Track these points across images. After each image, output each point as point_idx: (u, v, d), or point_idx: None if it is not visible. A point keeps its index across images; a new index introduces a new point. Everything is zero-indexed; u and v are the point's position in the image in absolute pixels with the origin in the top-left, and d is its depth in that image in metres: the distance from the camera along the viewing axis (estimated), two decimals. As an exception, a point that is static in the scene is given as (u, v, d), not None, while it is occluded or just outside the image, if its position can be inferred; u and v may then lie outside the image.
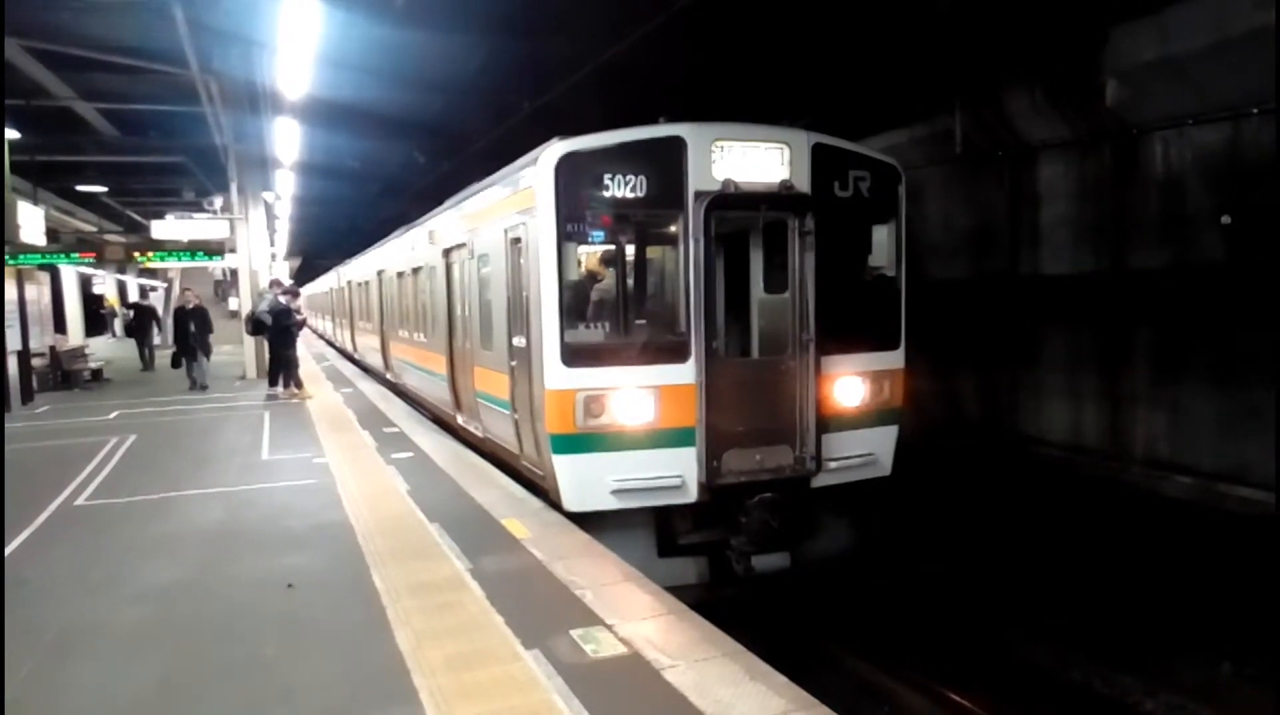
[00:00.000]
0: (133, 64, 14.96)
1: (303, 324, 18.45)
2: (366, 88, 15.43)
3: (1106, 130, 10.91)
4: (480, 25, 12.19)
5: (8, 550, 7.06)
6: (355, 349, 26.21)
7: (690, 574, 7.83)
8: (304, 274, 55.52)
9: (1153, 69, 9.82)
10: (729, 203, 7.50)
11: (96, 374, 20.87)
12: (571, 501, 7.49)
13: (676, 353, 7.46)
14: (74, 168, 23.44)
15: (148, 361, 24.58)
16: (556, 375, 7.35)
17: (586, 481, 7.41)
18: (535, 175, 7.51)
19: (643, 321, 7.89)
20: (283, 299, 16.94)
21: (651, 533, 7.75)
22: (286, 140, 19.23)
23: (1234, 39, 8.87)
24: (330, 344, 35.05)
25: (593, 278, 8.16)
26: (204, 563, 6.70)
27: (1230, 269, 9.71)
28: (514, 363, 8.49)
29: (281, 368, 16.90)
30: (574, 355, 7.35)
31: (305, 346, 20.91)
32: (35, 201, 19.46)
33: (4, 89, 13.86)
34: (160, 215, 23.36)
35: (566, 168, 7.30)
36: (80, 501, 8.86)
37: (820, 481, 7.92)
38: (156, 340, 27.56)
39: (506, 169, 8.93)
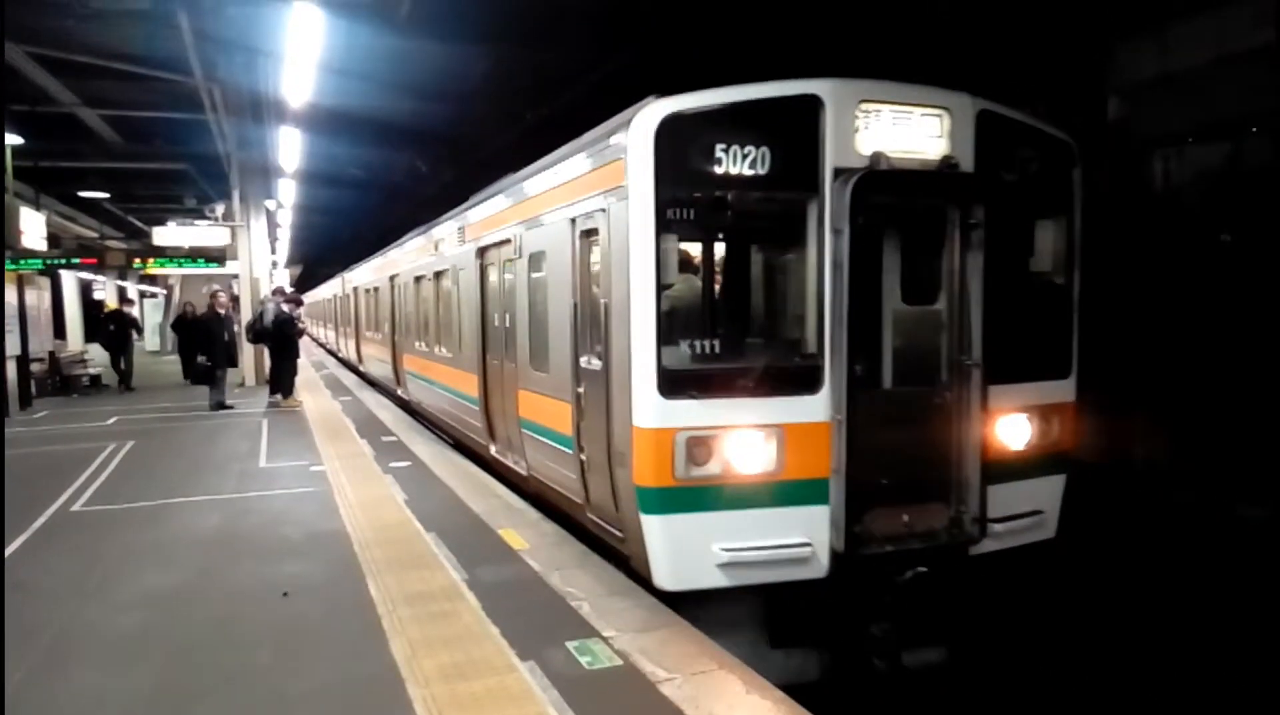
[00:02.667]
0: (137, 71, 15.02)
1: (303, 332, 18.47)
2: (370, 96, 15.51)
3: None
4: (484, 34, 12.24)
5: (5, 554, 7.03)
6: (361, 361, 24.01)
7: (812, 669, 5.95)
8: (305, 282, 55.61)
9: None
10: (882, 184, 5.70)
11: (95, 380, 20.86)
12: (666, 576, 5.63)
13: (805, 381, 5.68)
14: (77, 174, 23.50)
15: (124, 375, 21.02)
16: (651, 409, 5.53)
17: (687, 550, 5.58)
18: (625, 146, 5.74)
19: (758, 340, 6.29)
20: (285, 307, 16.97)
21: (761, 614, 5.87)
22: (289, 148, 19.30)
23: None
24: (333, 355, 33.70)
25: (689, 280, 6.35)
26: (200, 570, 6.68)
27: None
28: (582, 389, 6.70)
29: (283, 376, 16.90)
30: (675, 384, 5.52)
31: (304, 355, 20.84)
32: (38, 207, 19.50)
33: (5, 94, 13.90)
34: (162, 222, 23.43)
35: (669, 135, 5.50)
36: (77, 507, 8.84)
37: (980, 548, 6.12)
38: (158, 346, 27.48)
39: (573, 144, 7.19)
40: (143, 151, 21.64)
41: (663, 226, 5.53)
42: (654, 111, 5.58)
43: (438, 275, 12.78)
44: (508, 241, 8.81)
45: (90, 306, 31.59)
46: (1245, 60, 9.16)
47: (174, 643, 5.28)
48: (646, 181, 5.53)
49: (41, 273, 19.35)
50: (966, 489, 6.01)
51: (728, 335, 5.88)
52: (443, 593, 5.94)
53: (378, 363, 20.00)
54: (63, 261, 21.42)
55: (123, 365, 21.01)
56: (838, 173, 5.64)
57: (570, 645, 4.96)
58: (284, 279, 32.73)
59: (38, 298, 18.86)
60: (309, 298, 44.14)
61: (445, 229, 12.35)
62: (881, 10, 10.53)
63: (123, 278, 39.35)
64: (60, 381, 20.11)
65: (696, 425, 5.50)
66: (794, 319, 6.09)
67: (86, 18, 12.57)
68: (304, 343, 19.85)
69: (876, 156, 5.70)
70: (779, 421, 5.62)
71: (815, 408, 5.66)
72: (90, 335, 26.96)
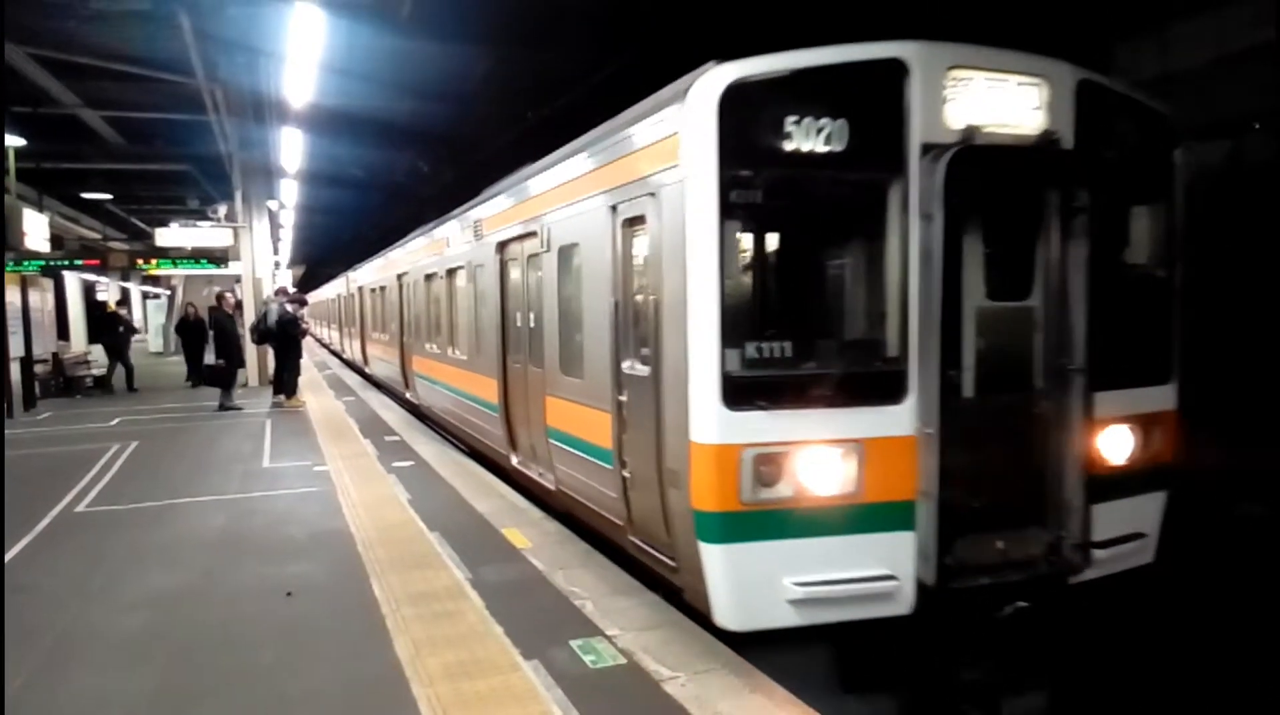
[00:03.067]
0: (139, 73, 15.06)
1: (306, 332, 18.49)
2: (371, 96, 15.53)
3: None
4: (485, 34, 12.24)
5: (7, 557, 7.06)
6: (366, 363, 23.17)
7: None
8: (308, 282, 55.67)
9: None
10: (979, 162, 5.02)
11: (99, 381, 20.89)
12: (729, 613, 4.89)
13: (888, 389, 5.00)
14: (79, 175, 23.58)
15: (126, 376, 20.60)
16: (712, 422, 4.83)
17: (754, 584, 4.87)
18: (682, 118, 5.03)
19: (832, 341, 5.41)
20: (289, 307, 16.98)
21: (831, 654, 5.24)
22: (291, 149, 19.32)
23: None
24: (338, 356, 33.12)
25: (755, 273, 5.55)
26: (204, 570, 6.69)
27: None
28: (625, 397, 6.02)
29: (287, 377, 16.92)
30: (741, 392, 4.82)
31: (306, 355, 20.84)
32: (41, 208, 19.54)
33: (5, 94, 13.93)
34: (165, 223, 23.48)
35: (734, 106, 4.79)
36: (81, 508, 8.85)
37: (1080, 576, 5.43)
38: (162, 345, 27.48)
39: (613, 123, 6.45)
40: (145, 152, 21.72)
41: (726, 211, 4.81)
42: (716, 79, 4.82)
43: (451, 273, 12.09)
44: (533, 234, 8.05)
45: (92, 307, 31.62)
46: (1245, 59, 9.15)
47: (178, 643, 5.28)
48: (708, 159, 4.80)
49: (44, 274, 19.39)
50: (1067, 510, 5.34)
51: (799, 336, 5.13)
52: (446, 592, 5.94)
53: (384, 364, 19.47)
54: (66, 263, 21.48)
55: (118, 367, 20.80)
56: (925, 149, 4.97)
57: (574, 644, 4.97)
58: (286, 279, 32.76)
59: (41, 299, 18.89)
60: (311, 298, 44.17)
61: (459, 223, 11.60)
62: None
63: (125, 279, 39.45)
64: (64, 383, 20.13)
65: (765, 441, 4.82)
66: (874, 317, 5.26)
67: (88, 19, 12.61)
68: (306, 343, 19.84)
69: (970, 130, 5.01)
70: (858, 436, 4.94)
71: (899, 420, 4.96)
72: (94, 336, 26.96)
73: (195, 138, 19.44)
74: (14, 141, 17.23)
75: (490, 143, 17.22)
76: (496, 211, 9.62)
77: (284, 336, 16.58)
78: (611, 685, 4.49)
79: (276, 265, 28.26)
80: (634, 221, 5.88)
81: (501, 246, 9.30)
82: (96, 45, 14.02)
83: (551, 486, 7.85)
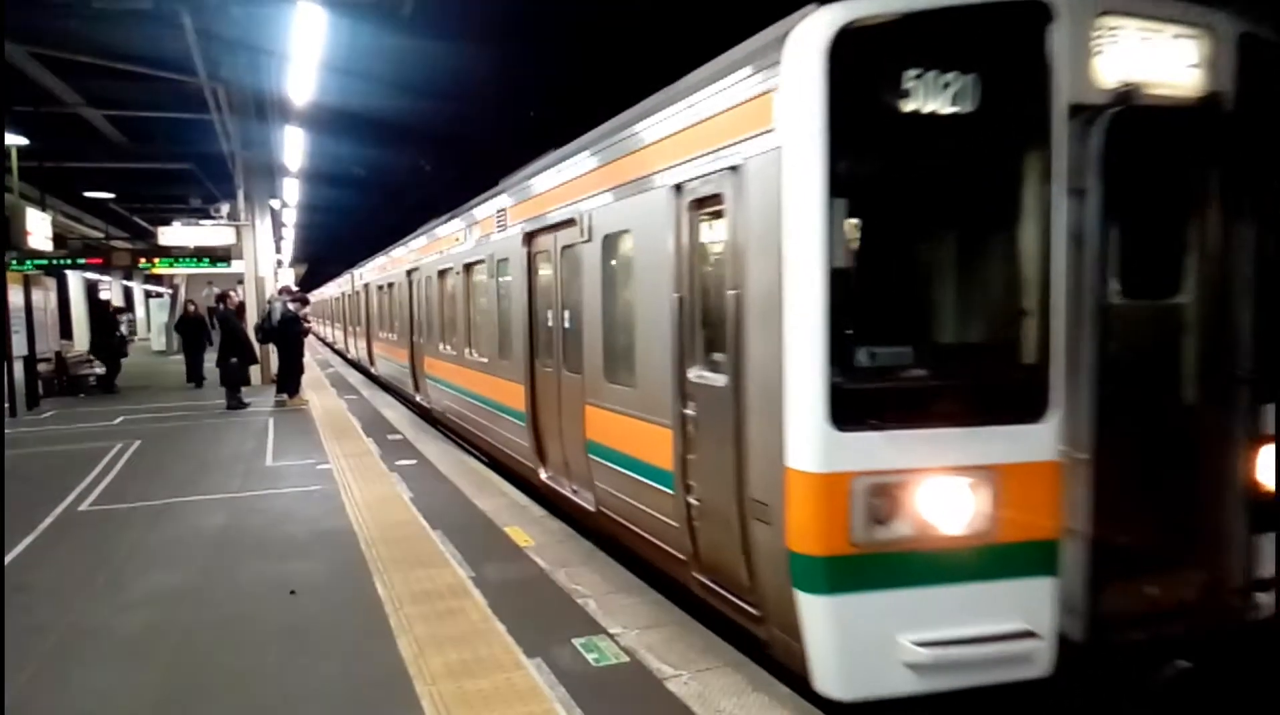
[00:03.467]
0: (141, 71, 15.09)
1: (309, 331, 18.52)
2: (373, 95, 15.53)
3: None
4: (487, 32, 12.24)
5: (10, 556, 7.07)
6: (373, 363, 22.50)
7: None
8: (310, 280, 55.73)
9: None
10: (1144, 127, 4.16)
11: (102, 380, 20.92)
12: (837, 680, 4.08)
13: (1027, 404, 4.15)
14: (82, 174, 23.60)
15: (111, 377, 20.42)
16: (817, 445, 4.01)
17: (866, 643, 4.04)
18: (779, 72, 4.20)
19: (956, 343, 4.58)
20: (291, 306, 17.00)
21: None
22: (293, 148, 19.34)
23: None
24: (342, 356, 32.16)
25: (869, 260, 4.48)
26: (207, 569, 6.69)
27: None
28: (691, 410, 5.18)
29: (290, 375, 16.94)
30: (854, 408, 4.00)
31: (309, 353, 20.85)
32: (43, 207, 19.56)
33: (6, 93, 13.95)
34: (167, 222, 23.50)
35: (845, 56, 3.96)
36: (84, 507, 8.86)
37: (1244, 623, 4.56)
38: (164, 344, 27.50)
39: (677, 88, 5.57)
40: (147, 151, 21.77)
41: (835, 186, 3.97)
42: (824, 22, 4.00)
43: (468, 267, 11.24)
44: (570, 223, 7.20)
45: (95, 307, 31.69)
46: None
47: (181, 641, 5.28)
48: (813, 122, 3.96)
49: (47, 273, 19.42)
50: (1227, 544, 4.43)
51: (921, 339, 4.36)
52: (449, 590, 5.94)
53: (392, 365, 18.66)
54: (68, 262, 21.51)
55: (111, 367, 20.55)
56: (1074, 110, 4.14)
57: (577, 642, 4.96)
58: (289, 278, 32.79)
59: (44, 298, 18.93)
60: (315, 296, 44.21)
61: (477, 214, 10.76)
62: None
63: (128, 278, 39.51)
64: (67, 381, 20.16)
65: (880, 468, 3.99)
66: (1008, 315, 4.37)
67: (90, 18, 12.63)
68: (307, 341, 19.86)
69: (1127, 89, 4.17)
70: (991, 461, 4.09)
71: (1039, 442, 4.13)
72: (96, 335, 27.01)
73: (197, 136, 19.47)
74: (16, 140, 17.26)
75: (493, 141, 17.22)
76: (524, 199, 8.69)
77: (287, 335, 16.60)
78: (614, 683, 4.49)
79: (279, 264, 28.28)
80: (705, 202, 5.04)
81: (530, 237, 8.40)
82: (99, 44, 14.05)
83: (590, 507, 7.02)
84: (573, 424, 7.28)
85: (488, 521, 7.77)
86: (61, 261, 20.71)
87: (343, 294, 30.73)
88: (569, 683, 4.46)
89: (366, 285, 23.05)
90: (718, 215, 4.91)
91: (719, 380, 4.85)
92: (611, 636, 5.05)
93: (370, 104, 16.92)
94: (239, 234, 20.58)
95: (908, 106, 4.00)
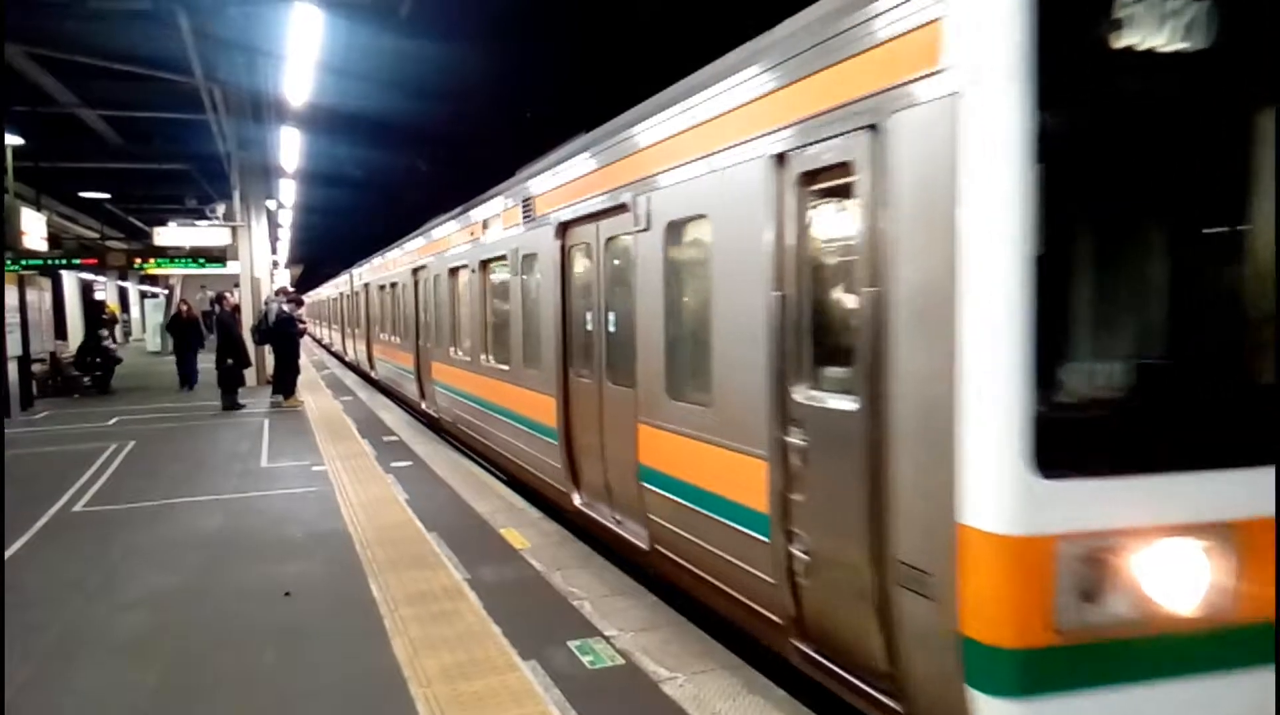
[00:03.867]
0: (137, 72, 15.07)
1: (304, 332, 18.51)
2: (370, 96, 15.53)
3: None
4: (484, 33, 12.24)
5: (5, 556, 7.05)
6: (373, 367, 21.52)
7: None
8: (306, 281, 55.67)
9: None
10: None
11: (97, 381, 20.87)
12: None
13: (1269, 440, 3.10)
14: (77, 174, 23.55)
15: (105, 378, 20.24)
16: (1014, 495, 3.03)
17: None
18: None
19: (1170, 361, 3.39)
20: (286, 307, 17.00)
21: None
22: (289, 148, 19.32)
23: None
24: (339, 359, 31.60)
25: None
26: (202, 570, 6.68)
27: None
28: (797, 439, 4.15)
29: (285, 376, 16.92)
30: (1063, 446, 3.02)
31: (304, 355, 20.82)
32: (38, 207, 19.53)
33: (7, 94, 13.93)
34: (163, 222, 23.48)
35: None
36: (78, 508, 8.83)
37: None
38: (159, 345, 27.41)
39: (776, 33, 4.59)
40: (143, 152, 21.72)
41: (1044, 145, 2.98)
42: None
43: (485, 264, 10.29)
44: (619, 209, 6.20)
45: (89, 308, 31.61)
46: None
47: (176, 643, 5.27)
48: (1014, 57, 2.96)
49: (42, 273, 19.37)
50: None
51: (1153, 353, 3.37)
52: (444, 592, 5.94)
53: (395, 370, 17.67)
54: (63, 262, 21.46)
55: (99, 369, 20.27)
56: None
57: (572, 645, 4.96)
58: (285, 279, 32.77)
59: (39, 298, 18.88)
60: (312, 296, 44.13)
61: (499, 205, 9.66)
62: None
63: (123, 278, 39.42)
64: (62, 382, 20.11)
65: (1098, 528, 3.02)
66: (1250, 323, 3.34)
67: (86, 18, 12.61)
68: (303, 343, 19.82)
69: None
70: (1227, 516, 3.12)
71: None
72: (91, 336, 26.93)
73: (194, 137, 19.46)
74: (12, 140, 17.21)
75: (490, 142, 17.23)
76: (558, 185, 7.64)
77: (283, 336, 16.59)
78: (609, 686, 4.48)
79: (275, 265, 28.26)
80: (821, 174, 4.00)
81: (564, 229, 7.42)
82: (95, 44, 14.04)
83: (640, 544, 6.03)
84: (620, 445, 6.29)
85: (483, 523, 7.76)
86: (56, 262, 20.64)
87: (341, 294, 30.01)
88: (564, 685, 4.45)
89: (367, 285, 22.18)
90: (842, 191, 3.86)
91: (844, 403, 3.80)
92: (607, 639, 5.05)
93: (366, 105, 16.92)
94: (235, 235, 20.56)
95: (1124, 41, 3.00)
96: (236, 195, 20.46)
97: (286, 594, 6.00)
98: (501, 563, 6.58)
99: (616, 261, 6.55)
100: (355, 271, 25.28)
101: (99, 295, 40.44)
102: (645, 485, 5.85)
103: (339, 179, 26.01)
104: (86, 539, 7.67)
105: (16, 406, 16.39)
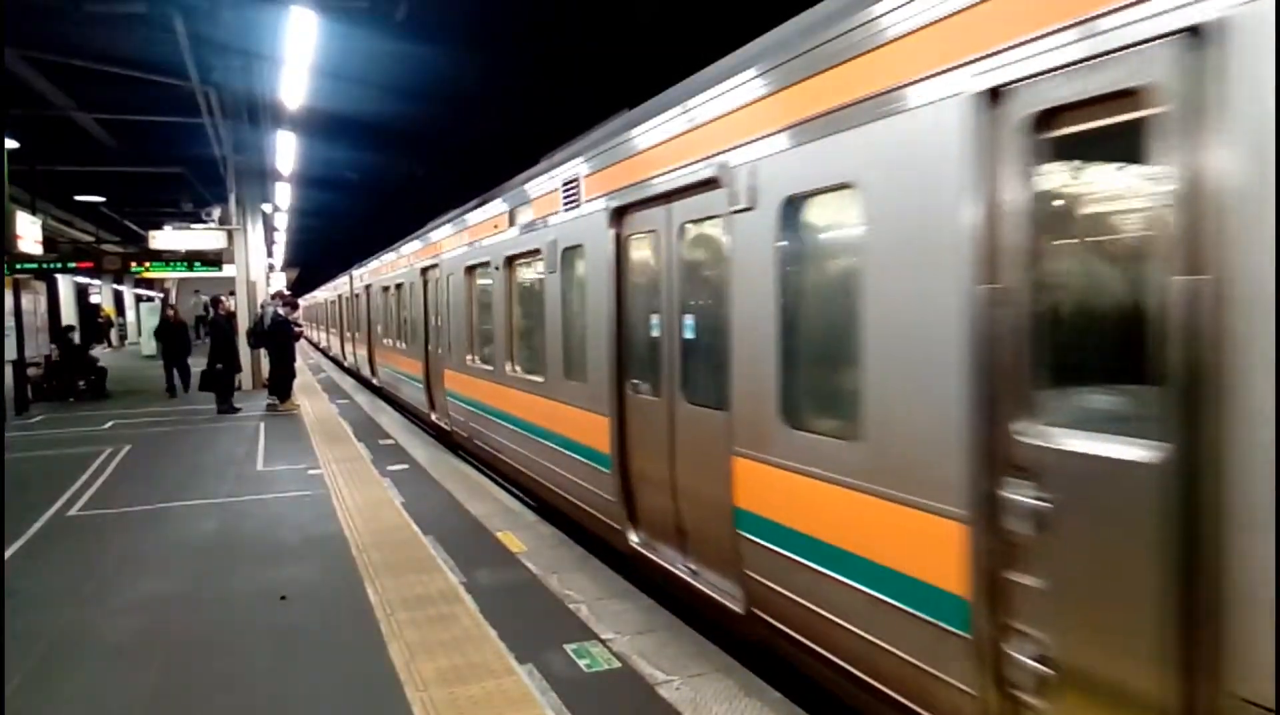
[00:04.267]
0: (132, 75, 15.05)
1: (299, 335, 18.48)
2: (366, 100, 15.53)
3: None
4: (480, 36, 12.25)
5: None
6: (375, 374, 20.66)
7: None
8: (301, 284, 55.63)
9: None
10: None
11: (92, 384, 20.82)
12: None
13: None
14: (73, 178, 23.51)
15: (101, 382, 20.09)
16: None
17: None
18: None
19: None
20: (281, 311, 17.00)
21: None
22: (285, 152, 19.31)
23: None
24: (337, 363, 30.72)
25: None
26: (197, 574, 6.66)
27: None
28: (1025, 496, 2.98)
29: (281, 380, 16.90)
30: None
31: (299, 358, 20.78)
32: (34, 211, 19.49)
33: (6, 98, 13.92)
34: (158, 226, 23.43)
35: None
36: (73, 512, 8.81)
37: None
38: (154, 348, 27.34)
39: None
40: (139, 155, 21.69)
41: None
42: None
43: (512, 261, 9.13)
44: (707, 185, 5.02)
45: (85, 312, 31.56)
46: None
47: (171, 647, 5.26)
48: None
49: (38, 277, 19.33)
50: None
51: None
52: (441, 596, 5.93)
53: (401, 378, 16.54)
54: (59, 265, 21.42)
55: (87, 376, 20.05)
56: None
57: (569, 648, 4.96)
58: (281, 282, 32.74)
59: (34, 302, 18.86)
60: (308, 299, 44.09)
61: (530, 192, 8.41)
62: None
63: (119, 282, 39.35)
64: (56, 385, 20.05)
65: None
66: None
67: (81, 22, 12.59)
68: (298, 346, 19.81)
69: None
70: None
71: None
72: (86, 339, 26.86)
73: (189, 140, 19.42)
74: (7, 143, 17.18)
75: (487, 146, 17.24)
76: (614, 162, 6.42)
77: (279, 339, 16.59)
78: (606, 689, 4.49)
79: (270, 268, 28.22)
80: (1071, 113, 2.83)
81: (620, 214, 6.31)
82: (90, 48, 14.02)
83: (735, 606, 4.93)
84: (704, 481, 5.25)
85: (479, 527, 7.76)
86: (51, 265, 20.60)
87: (339, 297, 29.26)
88: (560, 689, 4.45)
89: (369, 287, 21.12)
90: (1111, 135, 2.79)
91: (1127, 450, 2.67)
92: (603, 642, 5.05)
93: (363, 108, 16.93)
94: (230, 238, 20.53)
95: None
96: (232, 199, 20.42)
97: (282, 598, 5.99)
98: (498, 566, 6.58)
99: (698, 251, 5.49)
100: (356, 272, 24.31)
101: (95, 299, 40.37)
102: (742, 534, 4.73)
103: (335, 182, 26.02)
104: (82, 543, 7.65)
105: (12, 410, 16.36)
